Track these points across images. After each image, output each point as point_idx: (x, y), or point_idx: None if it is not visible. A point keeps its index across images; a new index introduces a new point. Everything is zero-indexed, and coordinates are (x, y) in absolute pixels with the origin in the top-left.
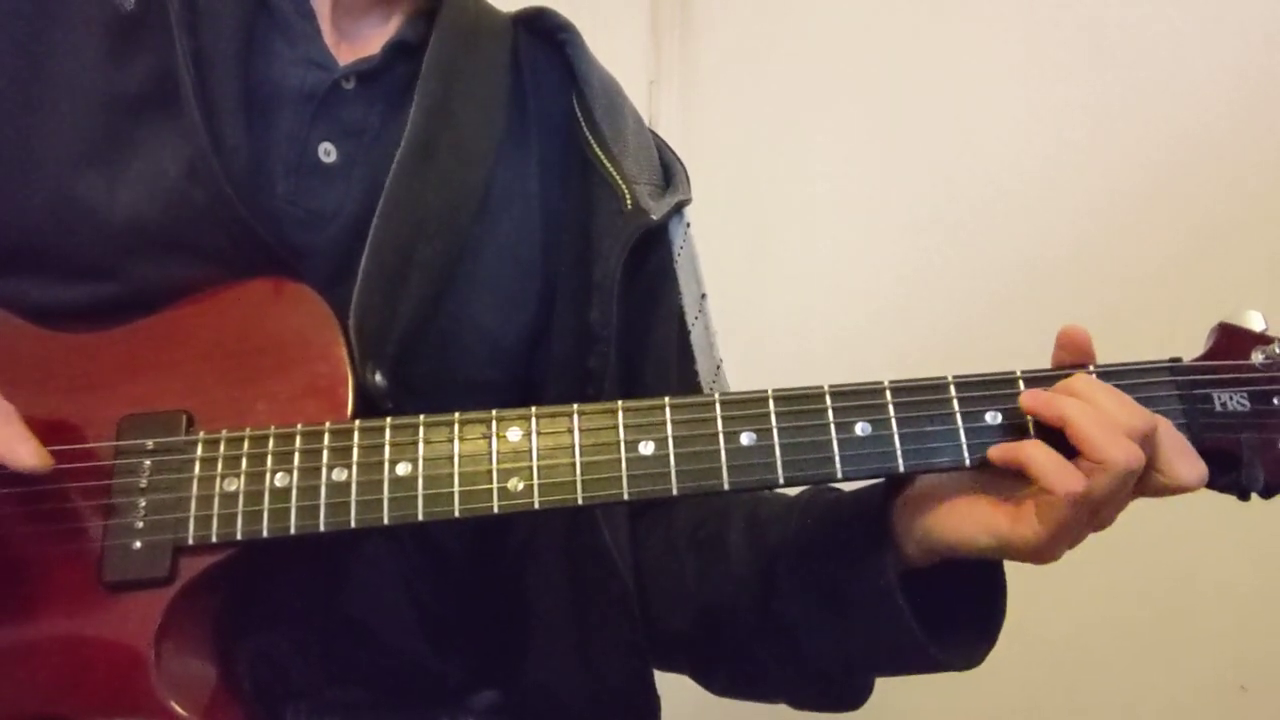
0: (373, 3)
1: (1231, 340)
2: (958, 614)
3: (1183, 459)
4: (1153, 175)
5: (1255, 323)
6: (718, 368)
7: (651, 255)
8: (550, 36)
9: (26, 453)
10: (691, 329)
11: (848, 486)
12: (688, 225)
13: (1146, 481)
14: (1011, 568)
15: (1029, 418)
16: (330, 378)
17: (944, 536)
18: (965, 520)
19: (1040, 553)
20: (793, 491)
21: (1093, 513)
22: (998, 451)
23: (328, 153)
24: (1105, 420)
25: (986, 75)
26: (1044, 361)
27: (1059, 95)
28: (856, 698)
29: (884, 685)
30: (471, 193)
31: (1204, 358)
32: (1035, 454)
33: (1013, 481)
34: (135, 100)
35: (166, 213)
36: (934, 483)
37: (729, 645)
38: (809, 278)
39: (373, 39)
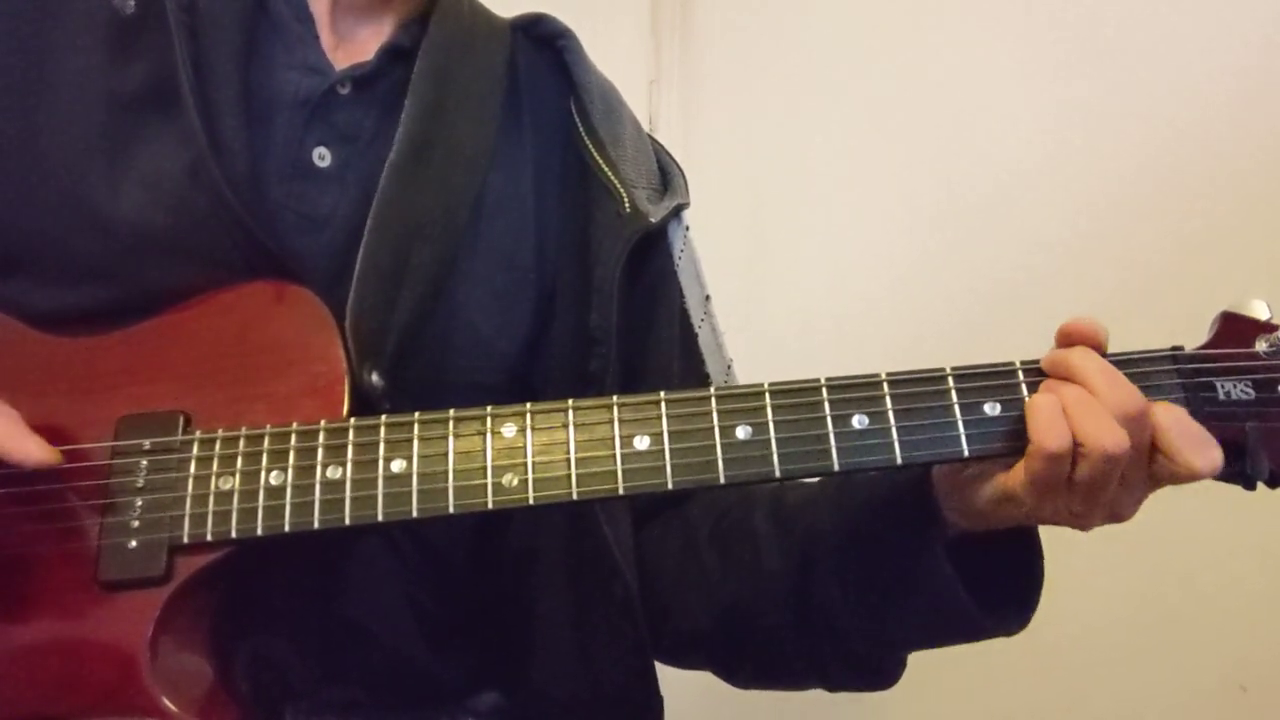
0: (371, 4)
1: (1235, 329)
2: (997, 579)
3: (1192, 445)
4: (1153, 171)
5: (1260, 311)
6: (728, 367)
7: (651, 259)
8: (549, 43)
9: (34, 447)
10: (699, 331)
11: None
12: (686, 229)
13: (1156, 468)
14: None
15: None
16: (328, 377)
17: (969, 496)
18: (978, 477)
19: (1034, 513)
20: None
21: (1094, 500)
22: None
23: (322, 157)
24: (1091, 401)
25: (986, 74)
26: (1043, 354)
27: (1058, 93)
28: (891, 675)
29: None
30: (465, 196)
31: (1207, 346)
32: (1036, 400)
33: None
34: (135, 101)
35: (168, 216)
36: None
37: (758, 636)
38: (809, 276)
39: (369, 43)
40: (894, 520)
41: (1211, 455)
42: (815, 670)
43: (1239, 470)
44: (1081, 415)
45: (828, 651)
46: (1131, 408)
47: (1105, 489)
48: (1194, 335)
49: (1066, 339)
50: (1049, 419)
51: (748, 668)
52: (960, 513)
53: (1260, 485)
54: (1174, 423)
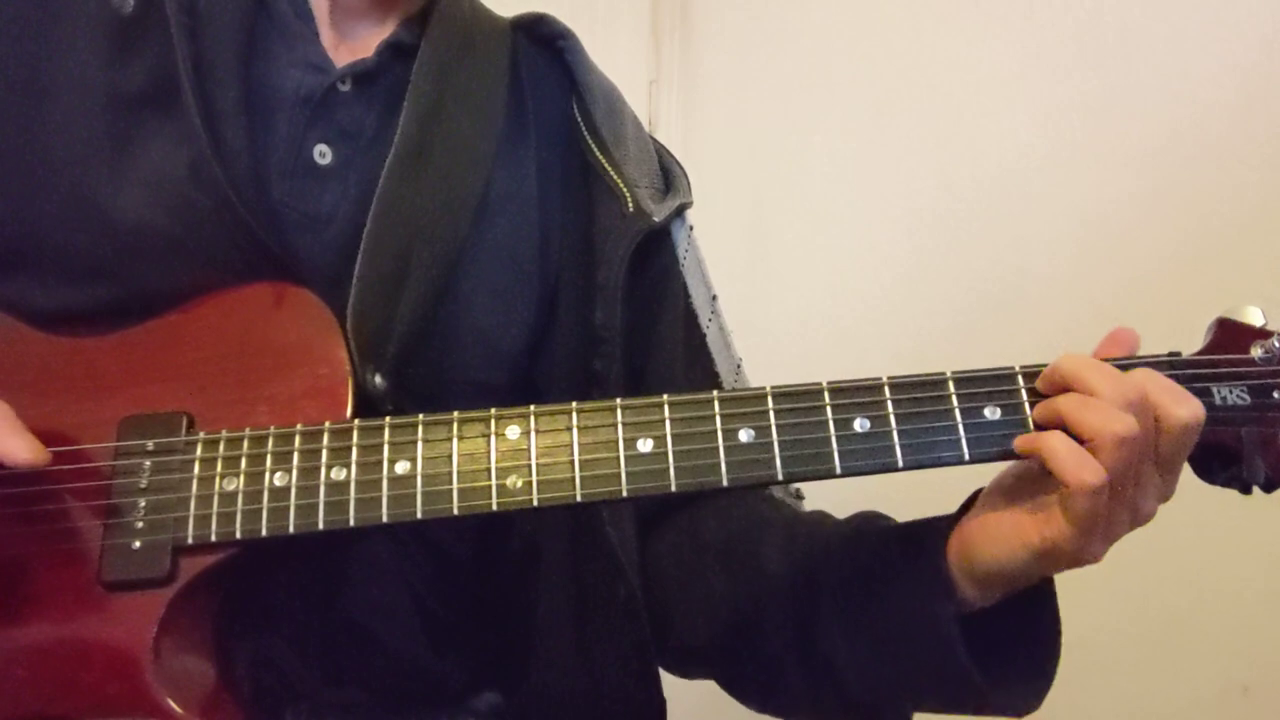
0: (371, 4)
1: (1231, 335)
2: (1010, 653)
3: (1173, 398)
4: (1152, 174)
5: (1255, 318)
6: (738, 366)
7: (654, 258)
8: (550, 43)
9: (21, 447)
10: (707, 330)
11: (850, 483)
12: (690, 228)
13: (1157, 441)
14: None
15: (1029, 412)
16: (330, 379)
17: (986, 561)
18: (1000, 538)
19: (1076, 554)
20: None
21: (1118, 500)
22: (1022, 440)
23: (323, 155)
24: (1089, 399)
25: (986, 75)
26: (1043, 357)
27: (1057, 95)
28: None
29: None
30: (468, 195)
31: (1203, 352)
32: (1054, 445)
33: (1043, 489)
34: (136, 101)
35: (170, 215)
36: (976, 512)
37: (759, 663)
38: (809, 277)
39: (370, 40)
40: (902, 567)
41: (1192, 403)
42: (815, 707)
43: (1234, 475)
44: (1083, 413)
45: (827, 689)
46: (1132, 393)
47: (1128, 484)
48: (1190, 341)
49: (1113, 342)
50: (1072, 456)
51: (751, 691)
52: (977, 579)
53: (1256, 490)
54: (1156, 384)
